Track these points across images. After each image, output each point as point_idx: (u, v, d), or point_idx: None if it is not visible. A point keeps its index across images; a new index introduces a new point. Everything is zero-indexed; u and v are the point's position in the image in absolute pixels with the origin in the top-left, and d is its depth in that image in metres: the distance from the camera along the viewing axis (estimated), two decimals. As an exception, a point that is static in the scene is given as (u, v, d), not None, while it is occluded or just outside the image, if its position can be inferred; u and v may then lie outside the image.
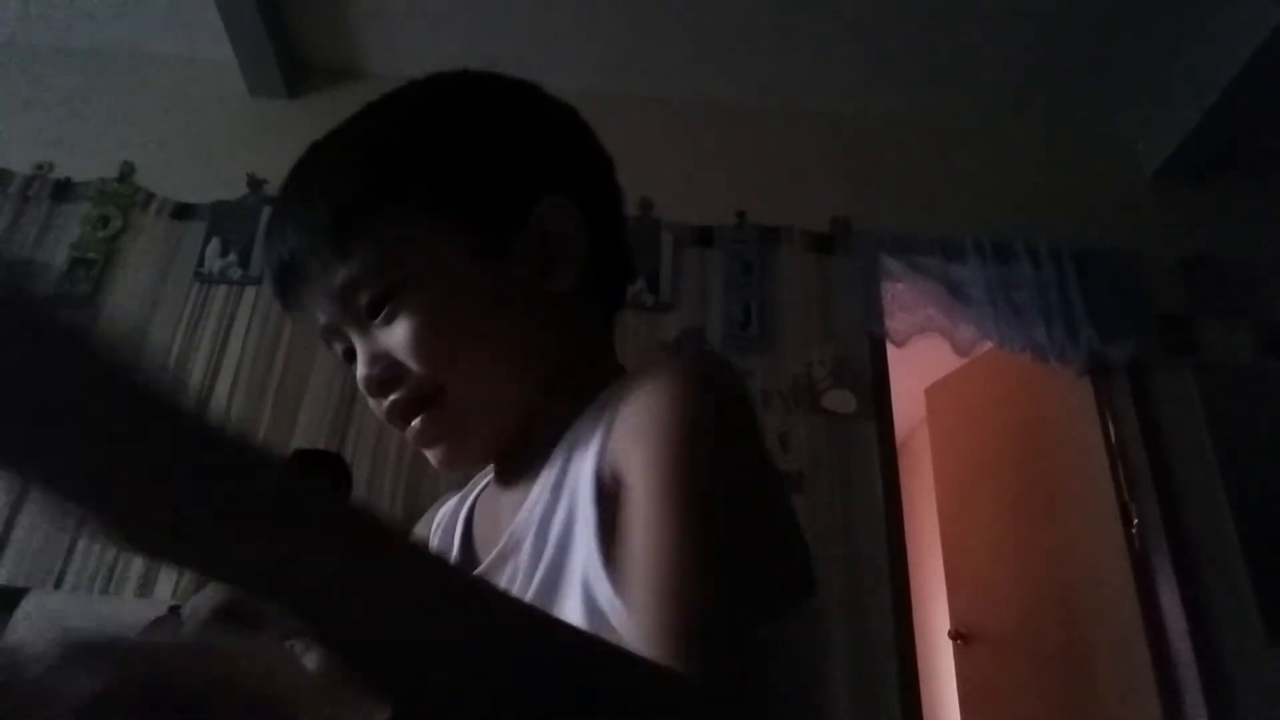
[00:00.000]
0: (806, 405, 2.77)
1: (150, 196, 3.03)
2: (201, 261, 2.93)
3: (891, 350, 2.96)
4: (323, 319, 0.62)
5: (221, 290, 2.90)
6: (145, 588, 2.44)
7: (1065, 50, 3.10)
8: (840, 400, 2.77)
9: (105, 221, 2.96)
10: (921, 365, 3.46)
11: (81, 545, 2.49)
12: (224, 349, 2.79)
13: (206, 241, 2.95)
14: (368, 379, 0.60)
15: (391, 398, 0.61)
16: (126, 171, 3.07)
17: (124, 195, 3.02)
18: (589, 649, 0.38)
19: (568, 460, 0.58)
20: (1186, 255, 3.15)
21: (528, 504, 0.59)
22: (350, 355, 0.63)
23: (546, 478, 0.59)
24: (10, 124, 3.16)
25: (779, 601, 0.54)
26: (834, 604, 2.51)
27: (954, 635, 3.42)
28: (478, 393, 0.61)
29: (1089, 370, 2.93)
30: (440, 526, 0.74)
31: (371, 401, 0.63)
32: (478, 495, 0.73)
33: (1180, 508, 2.73)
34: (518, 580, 0.58)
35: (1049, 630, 2.98)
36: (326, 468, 2.28)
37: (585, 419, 0.60)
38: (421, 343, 0.59)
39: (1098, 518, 2.86)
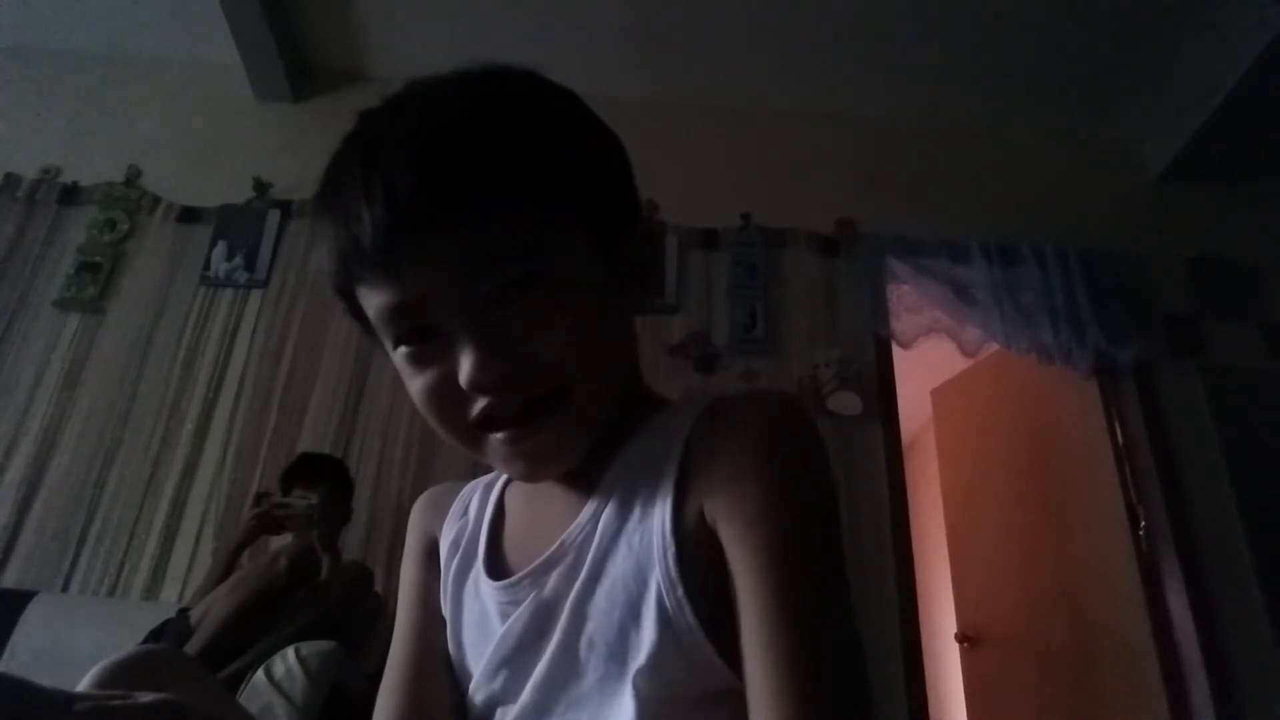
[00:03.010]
0: (812, 407, 2.77)
1: (156, 200, 3.04)
2: (208, 265, 2.93)
3: (897, 352, 2.95)
4: (416, 289, 0.54)
5: (228, 293, 2.90)
6: (151, 591, 2.45)
7: (1071, 52, 3.09)
8: (846, 402, 2.76)
9: (112, 225, 2.97)
10: (927, 367, 3.45)
11: (88, 549, 2.49)
12: (230, 352, 2.80)
13: (213, 245, 2.96)
14: (494, 372, 0.53)
15: (497, 398, 0.55)
16: (133, 175, 3.08)
17: (130, 199, 3.03)
18: None
19: (627, 485, 0.58)
20: (1193, 256, 3.14)
21: (580, 521, 0.59)
22: (415, 336, 0.56)
23: (600, 499, 0.59)
24: (17, 128, 3.17)
25: None
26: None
27: (960, 638, 3.41)
28: (602, 393, 0.59)
29: (1095, 372, 2.92)
30: (464, 537, 0.71)
31: (462, 402, 0.56)
32: (499, 502, 0.71)
33: (1187, 509, 2.72)
34: (563, 591, 0.57)
35: (1056, 632, 2.97)
36: (328, 472, 2.28)
37: (641, 444, 0.60)
38: (568, 337, 0.55)
39: (1105, 519, 2.85)
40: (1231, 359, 2.96)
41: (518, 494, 0.70)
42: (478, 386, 0.54)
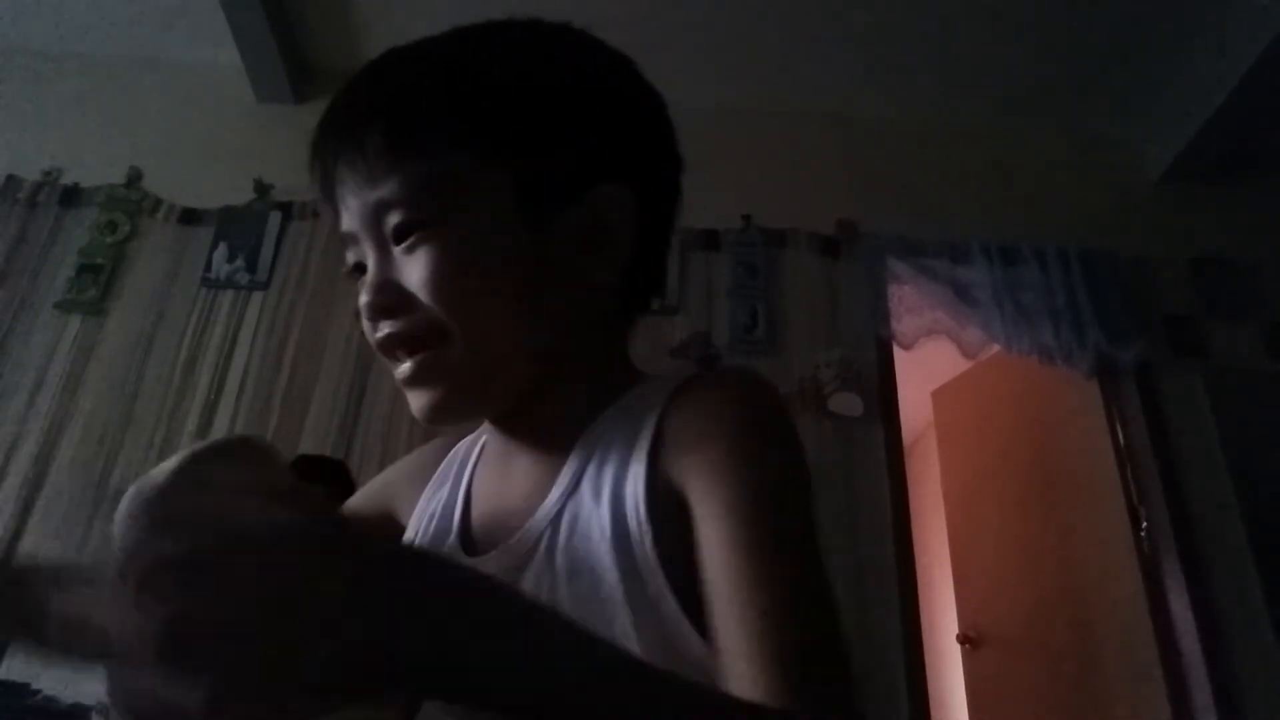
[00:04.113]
0: (813, 408, 2.77)
1: (158, 202, 3.05)
2: (209, 266, 2.94)
3: (898, 353, 2.95)
4: (347, 224, 0.60)
5: (229, 295, 2.91)
6: (153, 592, 2.44)
7: (1072, 53, 3.09)
8: (847, 403, 2.76)
9: (113, 227, 2.98)
10: (928, 368, 3.45)
11: (93, 547, 2.50)
12: (231, 354, 2.80)
13: (214, 246, 2.96)
14: (371, 303, 0.58)
15: (389, 328, 0.58)
16: (134, 177, 3.08)
17: (132, 201, 3.03)
18: (694, 697, 0.40)
19: (597, 462, 0.57)
20: (1194, 257, 3.14)
21: (548, 502, 0.58)
22: (360, 269, 0.61)
23: (568, 476, 0.58)
24: (19, 130, 3.18)
25: None
26: (841, 607, 2.50)
27: (962, 638, 3.40)
28: (483, 348, 0.58)
29: (1096, 373, 2.92)
30: (437, 507, 0.69)
31: (366, 326, 0.60)
32: (472, 474, 0.70)
33: (1189, 510, 2.72)
34: (543, 580, 0.56)
35: (1057, 633, 2.97)
36: (329, 474, 2.28)
37: (611, 419, 0.59)
38: (441, 281, 0.56)
39: (1106, 520, 2.85)
40: (1233, 359, 2.96)
41: (488, 465, 0.69)
42: (364, 312, 0.59)
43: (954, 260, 3.03)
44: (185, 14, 3.11)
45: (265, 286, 2.91)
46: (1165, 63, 3.08)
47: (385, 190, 0.56)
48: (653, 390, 0.60)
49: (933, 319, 3.04)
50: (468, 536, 0.64)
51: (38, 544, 2.50)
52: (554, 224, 0.59)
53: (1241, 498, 2.71)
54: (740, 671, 0.44)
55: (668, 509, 0.52)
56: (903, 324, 3.00)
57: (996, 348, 3.05)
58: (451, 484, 0.70)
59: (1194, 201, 3.27)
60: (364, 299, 0.58)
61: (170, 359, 2.79)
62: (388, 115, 0.58)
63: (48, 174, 3.07)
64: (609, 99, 0.64)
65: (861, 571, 2.56)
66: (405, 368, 0.59)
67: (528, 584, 0.56)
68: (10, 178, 3.05)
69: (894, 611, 2.53)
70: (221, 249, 2.96)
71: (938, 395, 3.82)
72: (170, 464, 0.56)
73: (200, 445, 0.57)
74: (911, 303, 3.04)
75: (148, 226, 3.02)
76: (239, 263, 2.94)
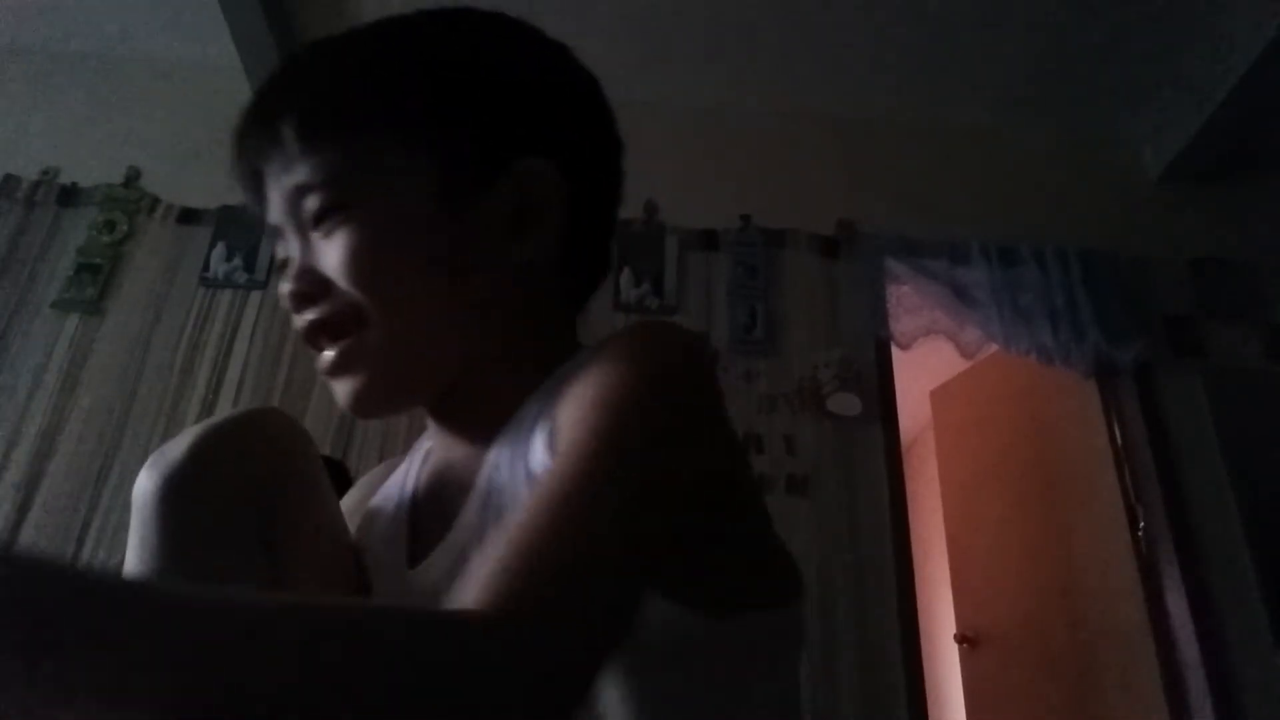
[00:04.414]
0: (812, 408, 2.77)
1: (156, 201, 3.04)
2: (207, 266, 2.93)
3: (897, 353, 2.95)
4: (272, 216, 0.60)
5: (227, 295, 2.90)
6: (151, 592, 2.44)
7: (1070, 53, 3.09)
8: (846, 403, 2.76)
9: (111, 226, 2.97)
10: (927, 368, 3.45)
11: (87, 550, 2.49)
12: (229, 353, 2.80)
13: (212, 246, 2.96)
14: (292, 291, 0.57)
15: (309, 315, 0.57)
16: (132, 176, 3.08)
17: (130, 200, 3.03)
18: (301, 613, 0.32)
19: (518, 438, 0.55)
20: (1193, 257, 3.14)
21: (475, 491, 0.56)
22: (284, 263, 0.60)
23: (496, 455, 0.56)
24: (16, 129, 3.17)
25: (751, 594, 0.53)
26: (839, 607, 2.50)
27: (960, 639, 3.41)
28: (402, 332, 0.57)
29: (1095, 373, 2.93)
30: (378, 512, 0.67)
31: (294, 318, 0.59)
32: (420, 472, 0.67)
33: (1187, 510, 2.72)
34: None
35: (1055, 633, 2.97)
36: (329, 474, 2.27)
37: (537, 396, 0.57)
38: (356, 263, 0.55)
39: (1104, 521, 2.85)
40: (1231, 360, 2.97)
41: (430, 462, 0.67)
42: (286, 299, 0.58)
43: (953, 260, 3.03)
44: (183, 13, 3.11)
45: (263, 286, 2.91)
46: (1164, 63, 3.08)
47: (301, 174, 0.56)
48: (577, 360, 0.56)
49: (931, 319, 3.04)
50: (416, 539, 0.61)
51: (36, 543, 2.50)
52: (477, 204, 0.58)
53: (1239, 498, 2.71)
54: (471, 582, 0.37)
55: None
56: (901, 324, 3.00)
57: (995, 348, 3.05)
58: (398, 491, 0.67)
59: (1193, 202, 3.27)
60: (285, 287, 0.58)
61: (168, 358, 2.78)
62: (303, 100, 0.57)
63: (45, 173, 3.07)
64: (534, 79, 0.62)
65: (860, 571, 2.56)
66: (326, 356, 0.58)
67: (466, 559, 0.53)
68: (8, 177, 3.04)
69: (892, 611, 2.53)
70: (219, 248, 2.95)
71: (936, 395, 3.82)
72: (185, 439, 0.56)
73: (216, 420, 0.57)
74: (910, 303, 3.04)
75: (146, 226, 3.01)
76: (237, 262, 2.94)
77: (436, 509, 0.61)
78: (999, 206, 3.22)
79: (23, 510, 2.54)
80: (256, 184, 0.60)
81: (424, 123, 0.57)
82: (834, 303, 2.99)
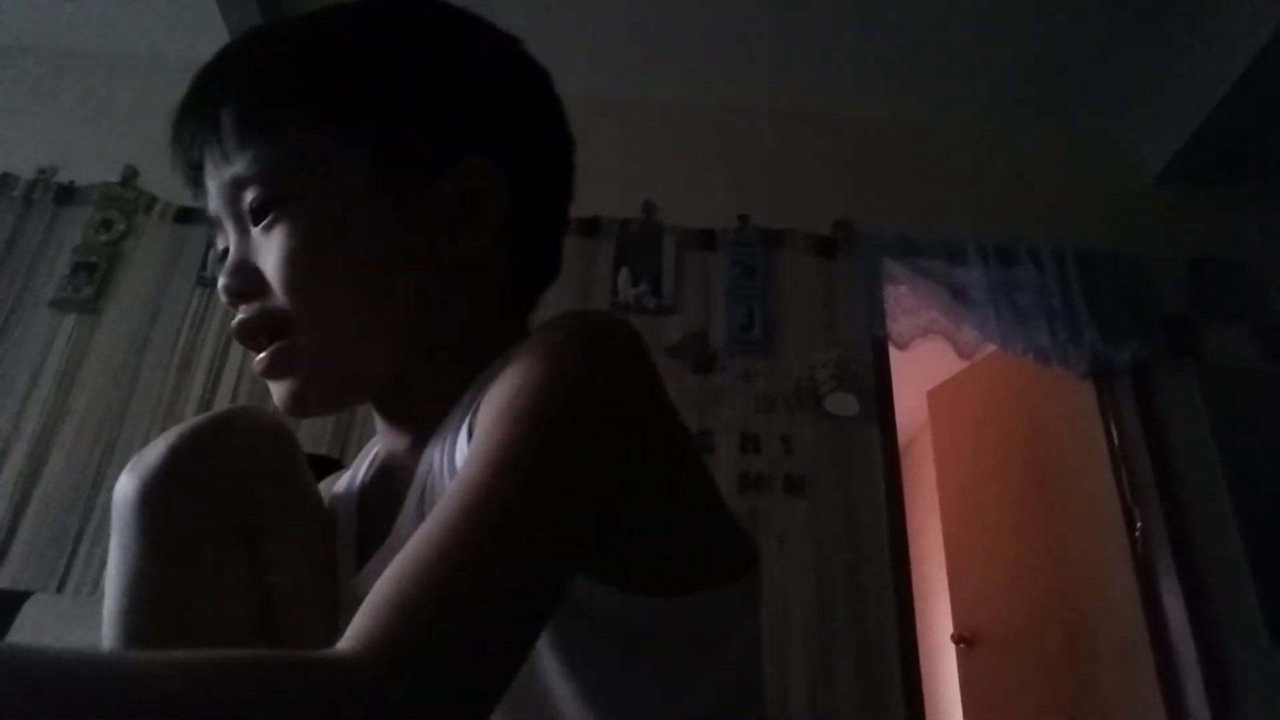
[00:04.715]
0: (810, 408, 2.77)
1: (153, 200, 3.04)
2: (204, 265, 2.93)
3: (894, 353, 2.96)
4: (211, 207, 0.59)
5: (224, 294, 2.90)
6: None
7: (1068, 53, 3.09)
8: (843, 403, 2.76)
9: (108, 225, 2.97)
10: (924, 368, 3.46)
11: (84, 549, 2.49)
12: (227, 353, 2.80)
13: (209, 245, 2.95)
14: (225, 286, 0.56)
15: (243, 314, 0.56)
16: (129, 175, 3.08)
17: (127, 199, 3.03)
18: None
19: (448, 439, 0.54)
20: (1190, 257, 3.14)
21: (414, 486, 0.55)
22: (224, 251, 0.59)
23: (430, 453, 0.56)
24: (13, 128, 3.17)
25: (680, 574, 0.51)
26: (837, 607, 2.50)
27: (957, 639, 3.41)
28: (334, 335, 0.55)
29: (1092, 373, 2.93)
30: (334, 512, 0.66)
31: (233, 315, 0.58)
32: (369, 470, 0.67)
33: (1184, 511, 2.72)
34: None
35: (1052, 633, 2.98)
36: (326, 473, 2.27)
37: (470, 390, 0.56)
38: (291, 264, 0.54)
39: (1101, 521, 2.85)
40: (1228, 360, 2.97)
41: (378, 462, 0.66)
42: (222, 294, 0.57)
43: (950, 261, 3.03)
44: (180, 12, 3.11)
45: (261, 285, 2.91)
46: (1162, 63, 3.08)
47: (239, 166, 0.55)
48: (505, 355, 0.54)
49: (929, 319, 3.04)
50: (363, 540, 0.60)
51: (32, 543, 2.49)
52: (417, 199, 0.57)
53: (1236, 498, 2.71)
54: (361, 609, 0.36)
55: None
56: (899, 324, 3.00)
57: (992, 348, 3.06)
58: (346, 489, 0.67)
59: (1190, 202, 3.28)
60: (220, 281, 0.57)
61: (165, 357, 2.78)
62: (241, 90, 0.55)
63: (43, 172, 3.06)
64: (479, 73, 0.60)
65: (857, 571, 2.56)
66: (262, 358, 0.56)
67: None
68: (5, 175, 3.04)
69: (889, 611, 2.53)
70: (216, 248, 2.95)
71: (933, 395, 3.82)
72: (163, 443, 0.56)
73: (193, 422, 0.56)
74: (908, 303, 3.04)
75: (143, 225, 3.01)
76: (234, 261, 2.93)
77: (381, 509, 0.59)
78: (996, 207, 3.22)
79: (19, 510, 2.53)
80: (196, 175, 0.59)
81: (363, 114, 0.56)
82: (832, 303, 2.99)
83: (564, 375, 0.45)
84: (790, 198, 3.18)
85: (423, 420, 0.58)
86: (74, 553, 2.48)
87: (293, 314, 0.55)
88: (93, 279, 2.87)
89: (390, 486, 0.61)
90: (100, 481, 2.58)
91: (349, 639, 0.34)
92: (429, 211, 0.57)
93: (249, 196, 0.55)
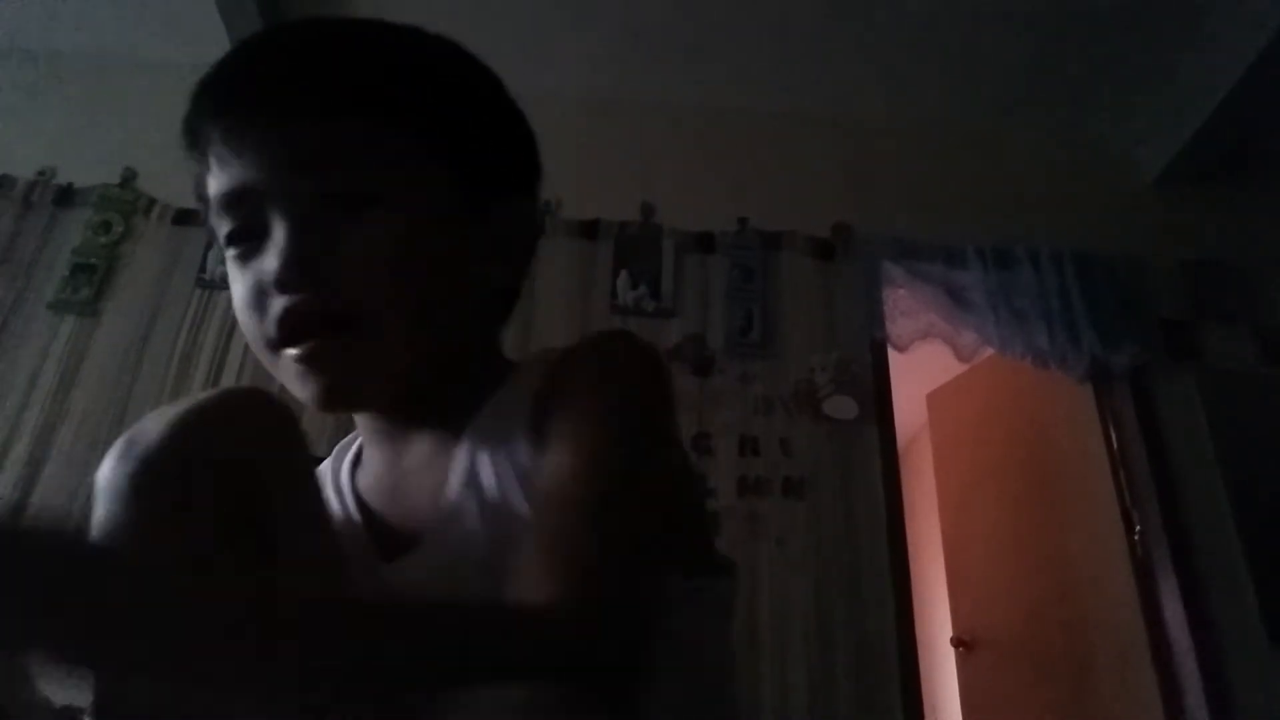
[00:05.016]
0: (808, 411, 2.77)
1: (152, 202, 3.04)
2: (204, 267, 2.93)
3: (893, 356, 2.96)
4: (250, 177, 0.55)
5: (224, 296, 2.90)
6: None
7: (1067, 56, 3.10)
8: (842, 406, 2.76)
9: (107, 227, 2.97)
10: (923, 371, 3.45)
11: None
12: (226, 354, 2.79)
13: (209, 247, 2.95)
14: (296, 270, 0.53)
15: (300, 299, 0.54)
16: (129, 177, 3.07)
17: (126, 201, 3.03)
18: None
19: (490, 448, 0.58)
20: (1189, 260, 3.14)
21: (451, 496, 0.57)
22: (243, 235, 0.56)
23: (463, 465, 0.58)
24: (13, 130, 3.16)
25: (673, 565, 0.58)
26: (836, 610, 2.50)
27: (956, 642, 3.41)
28: (399, 336, 0.57)
29: (1091, 376, 2.93)
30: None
31: (271, 297, 0.56)
32: (354, 470, 0.69)
33: (1182, 513, 2.72)
34: (458, 572, 0.56)
35: (1051, 636, 2.97)
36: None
37: (497, 404, 0.60)
38: (387, 258, 0.55)
39: (1100, 523, 2.85)
40: (1227, 363, 2.97)
41: (372, 466, 0.68)
42: (281, 281, 0.54)
43: (949, 263, 3.03)
44: (180, 14, 3.10)
45: (260, 287, 2.90)
46: (1160, 65, 3.08)
47: (341, 142, 0.55)
48: (530, 371, 0.62)
49: (927, 322, 3.04)
50: (383, 541, 0.62)
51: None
52: (480, 225, 0.62)
53: (1235, 501, 2.71)
54: (523, 583, 0.46)
55: None
56: (898, 327, 3.00)
57: (991, 351, 3.05)
58: (332, 488, 0.68)
59: (1189, 204, 3.28)
60: (285, 266, 0.54)
61: (165, 359, 2.78)
62: (357, 67, 0.57)
63: (42, 173, 3.06)
64: (523, 123, 0.68)
65: (856, 574, 2.56)
66: (309, 345, 0.56)
67: (453, 576, 0.55)
68: (4, 177, 3.04)
69: (888, 614, 2.53)
70: (216, 249, 2.95)
71: (932, 398, 3.82)
72: (160, 421, 0.55)
73: (192, 401, 0.55)
74: (906, 306, 3.04)
75: (142, 227, 3.01)
76: (234, 263, 2.93)
77: (399, 505, 0.63)
78: (995, 209, 3.22)
79: (18, 510, 2.52)
80: (235, 137, 0.55)
81: (459, 138, 0.60)
82: (830, 305, 2.99)
83: (626, 395, 0.56)
84: (789, 200, 3.18)
85: (434, 426, 0.63)
86: (72, 555, 2.47)
87: (361, 309, 0.55)
88: (92, 280, 2.87)
89: (406, 486, 0.63)
90: (99, 483, 2.58)
91: (543, 598, 0.44)
92: (483, 237, 0.62)
93: (337, 181, 0.55)
